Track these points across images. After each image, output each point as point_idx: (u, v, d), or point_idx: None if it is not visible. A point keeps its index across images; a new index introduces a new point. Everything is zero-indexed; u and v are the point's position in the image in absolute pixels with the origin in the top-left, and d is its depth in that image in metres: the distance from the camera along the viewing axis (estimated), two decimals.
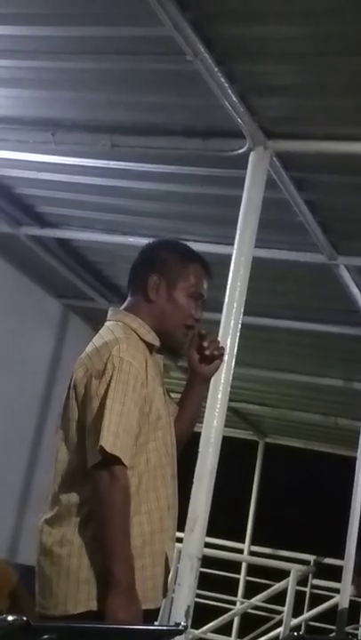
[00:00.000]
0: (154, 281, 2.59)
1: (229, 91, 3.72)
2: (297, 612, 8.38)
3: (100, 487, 2.32)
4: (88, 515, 2.39)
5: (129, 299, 2.65)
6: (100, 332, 2.58)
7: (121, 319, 2.58)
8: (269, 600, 8.48)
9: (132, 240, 5.52)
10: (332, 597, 8.62)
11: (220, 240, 5.10)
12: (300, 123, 4.04)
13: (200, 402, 2.80)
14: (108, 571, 2.30)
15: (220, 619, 8.40)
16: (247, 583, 9.87)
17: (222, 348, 2.71)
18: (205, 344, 2.65)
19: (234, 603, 9.19)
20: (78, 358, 2.53)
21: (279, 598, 8.08)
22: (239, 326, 3.77)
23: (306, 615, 8.95)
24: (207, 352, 2.65)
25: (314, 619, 8.97)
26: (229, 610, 8.80)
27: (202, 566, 3.61)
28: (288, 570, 7.88)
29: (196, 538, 3.53)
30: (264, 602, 8.56)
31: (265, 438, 11.02)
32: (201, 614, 7.62)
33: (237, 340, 3.75)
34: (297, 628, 8.50)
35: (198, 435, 3.51)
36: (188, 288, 2.60)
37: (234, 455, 7.03)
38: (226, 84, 3.68)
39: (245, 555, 10.15)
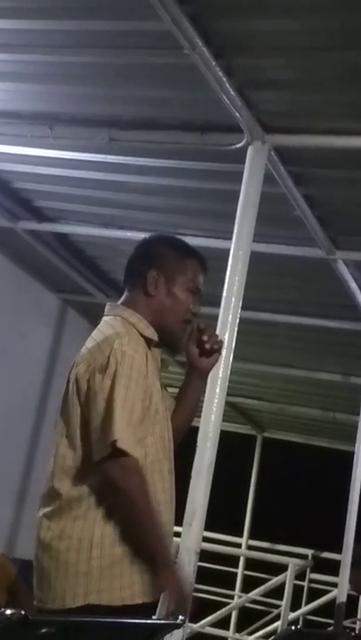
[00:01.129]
0: (153, 276, 2.59)
1: (227, 85, 3.71)
2: (295, 606, 8.40)
3: (115, 479, 2.35)
4: (88, 509, 2.40)
5: (126, 294, 2.65)
6: (98, 326, 2.58)
7: (119, 314, 2.58)
8: (267, 594, 8.48)
9: (130, 234, 5.51)
10: (329, 591, 8.64)
11: (219, 234, 5.10)
12: (299, 117, 4.04)
13: (198, 396, 2.80)
14: (149, 555, 2.35)
15: (218, 613, 8.40)
16: (245, 577, 9.89)
17: (221, 342, 2.71)
18: (205, 338, 2.65)
19: (232, 597, 9.19)
20: (78, 354, 2.52)
21: (277, 592, 8.09)
22: (237, 321, 3.77)
23: (304, 609, 8.97)
24: (207, 346, 2.65)
25: (312, 613, 8.99)
26: (227, 604, 8.80)
27: (200, 560, 3.62)
28: (286, 564, 7.89)
29: (194, 532, 3.54)
30: (262, 596, 8.56)
31: (263, 433, 11.03)
32: (199, 608, 7.63)
33: (235, 335, 3.75)
34: (295, 621, 8.52)
35: (196, 429, 3.51)
36: (187, 282, 2.61)
37: (232, 450, 7.03)
38: (224, 78, 3.68)
39: (243, 549, 10.16)
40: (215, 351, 2.69)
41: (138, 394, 2.41)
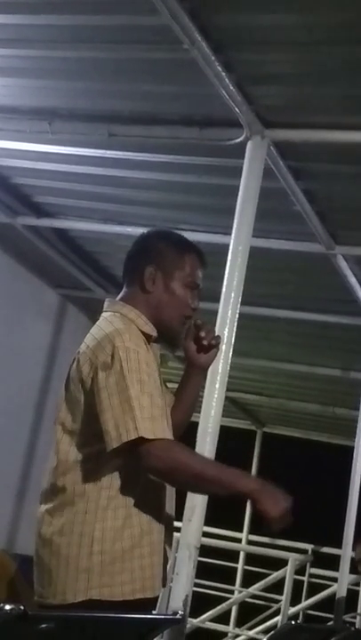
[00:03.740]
0: (150, 272, 2.58)
1: (226, 79, 3.70)
2: (295, 600, 8.42)
3: (158, 470, 2.36)
4: (89, 504, 2.39)
5: (125, 290, 2.64)
6: (97, 323, 2.57)
7: (118, 310, 2.57)
8: (267, 589, 8.51)
9: (129, 230, 5.50)
10: (329, 586, 8.66)
11: (218, 230, 5.10)
12: (298, 111, 4.03)
13: (197, 391, 2.80)
14: (240, 494, 2.38)
15: (219, 607, 8.42)
16: (245, 572, 9.90)
17: (219, 337, 2.71)
18: (202, 334, 2.65)
19: (232, 592, 9.21)
20: (79, 352, 2.50)
21: (277, 587, 8.11)
22: (237, 316, 3.77)
23: (304, 604, 9.00)
24: (205, 342, 2.65)
25: (312, 607, 9.01)
26: (227, 599, 8.83)
27: (200, 555, 3.62)
28: (286, 559, 7.91)
29: (193, 527, 3.54)
30: (262, 591, 8.59)
31: (263, 428, 11.04)
32: (199, 603, 7.64)
33: (235, 330, 3.75)
34: (295, 616, 8.54)
35: (196, 424, 3.51)
36: (185, 278, 2.60)
37: (232, 445, 7.03)
38: (223, 73, 3.67)
39: (243, 544, 10.17)
40: (213, 347, 2.68)
41: (153, 384, 2.40)
